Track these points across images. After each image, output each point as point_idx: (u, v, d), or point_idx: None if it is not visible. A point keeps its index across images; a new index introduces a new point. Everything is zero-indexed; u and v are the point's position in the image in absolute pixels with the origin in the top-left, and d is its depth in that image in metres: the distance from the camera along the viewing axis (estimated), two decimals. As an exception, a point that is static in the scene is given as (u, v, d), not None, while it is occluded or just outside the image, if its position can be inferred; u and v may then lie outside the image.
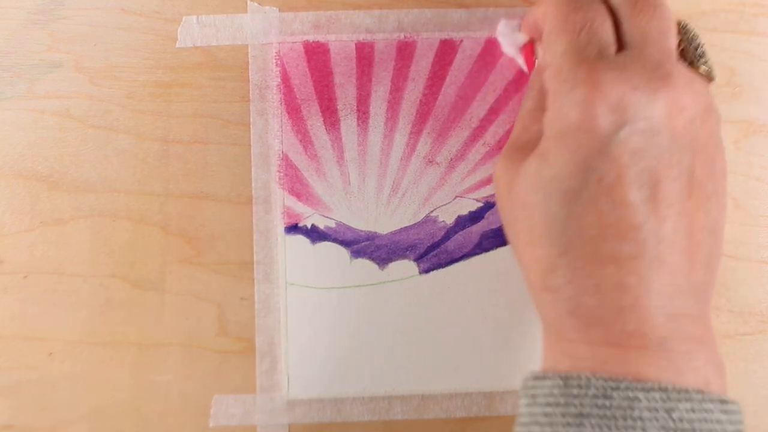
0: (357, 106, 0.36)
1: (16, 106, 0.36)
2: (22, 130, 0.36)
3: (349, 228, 0.35)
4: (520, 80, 0.36)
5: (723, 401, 0.25)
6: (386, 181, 0.36)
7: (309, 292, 0.35)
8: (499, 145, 0.36)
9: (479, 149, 0.36)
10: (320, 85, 0.36)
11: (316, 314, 0.35)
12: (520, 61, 0.35)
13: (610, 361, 0.26)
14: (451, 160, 0.36)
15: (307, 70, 0.36)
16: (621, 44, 0.28)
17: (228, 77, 0.36)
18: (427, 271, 0.35)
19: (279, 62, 0.36)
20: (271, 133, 0.36)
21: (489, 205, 0.36)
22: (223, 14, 0.36)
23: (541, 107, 0.30)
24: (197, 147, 0.36)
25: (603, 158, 0.25)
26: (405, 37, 0.36)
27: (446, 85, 0.36)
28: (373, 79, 0.36)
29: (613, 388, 0.25)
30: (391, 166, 0.36)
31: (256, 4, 0.36)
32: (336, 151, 0.36)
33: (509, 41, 0.35)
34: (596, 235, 0.26)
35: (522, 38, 0.34)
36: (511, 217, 0.29)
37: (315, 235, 0.35)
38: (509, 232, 0.30)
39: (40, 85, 0.36)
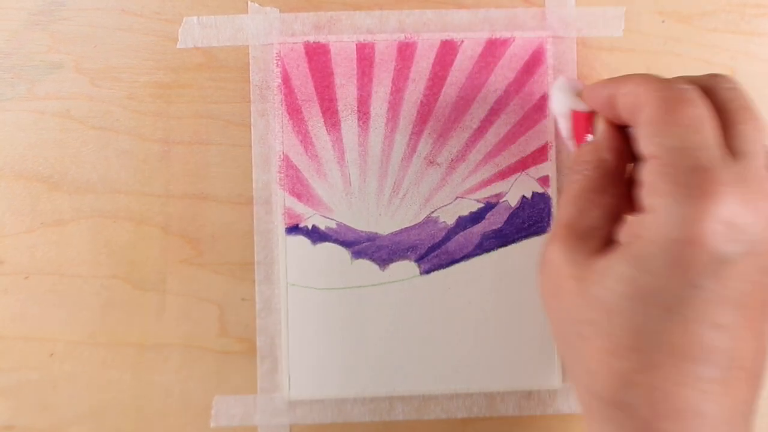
0: (358, 107, 0.36)
1: (17, 107, 0.36)
2: (22, 131, 0.36)
3: (350, 229, 0.35)
4: (521, 80, 0.36)
5: None
6: (387, 181, 0.36)
7: (310, 293, 0.35)
8: (498, 146, 0.36)
9: (480, 150, 0.36)
10: (321, 86, 0.36)
11: (316, 315, 0.35)
12: (564, 125, 0.33)
13: None
14: (452, 160, 0.36)
15: (307, 70, 0.36)
16: (727, 151, 0.25)
17: (229, 78, 0.36)
18: (427, 271, 0.35)
19: (280, 63, 0.36)
20: (271, 133, 0.36)
21: (489, 206, 0.36)
22: (224, 15, 0.36)
23: (601, 189, 0.28)
24: (198, 148, 0.36)
25: (709, 276, 0.24)
26: (406, 37, 0.36)
27: (447, 86, 0.36)
28: (373, 79, 0.36)
29: None
30: (391, 166, 0.36)
31: (256, 4, 0.36)
32: (337, 152, 0.36)
33: (563, 101, 0.32)
34: (683, 354, 0.24)
35: (581, 105, 0.32)
36: (577, 317, 0.26)
37: (316, 235, 0.35)
38: (567, 332, 0.28)
39: (41, 86, 0.36)
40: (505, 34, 0.36)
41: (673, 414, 0.24)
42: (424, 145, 0.36)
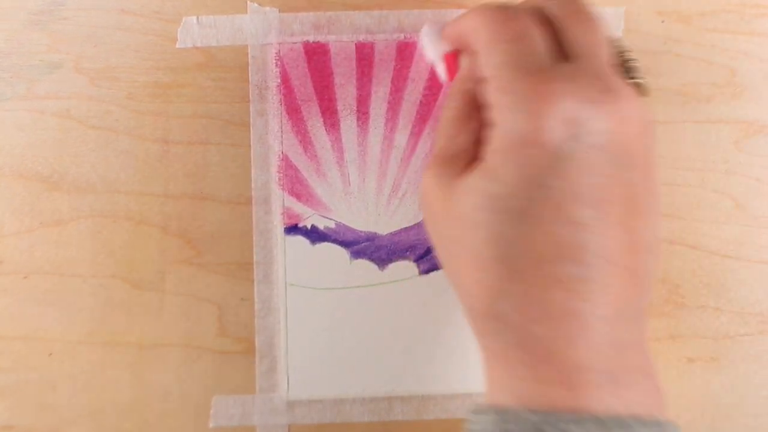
0: (357, 107, 0.36)
1: (16, 107, 0.36)
2: (22, 131, 0.36)
3: (349, 228, 0.35)
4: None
5: (659, 423, 0.25)
6: (386, 181, 0.36)
7: (309, 293, 0.35)
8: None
9: (479, 150, 0.36)
10: (320, 86, 0.36)
11: (315, 315, 0.35)
12: (440, 69, 0.34)
13: (554, 396, 0.25)
14: (451, 160, 0.36)
15: (307, 70, 0.36)
16: (560, 56, 0.26)
17: (228, 78, 0.36)
18: (426, 271, 0.35)
19: (279, 63, 0.36)
20: (270, 133, 0.36)
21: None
22: (223, 15, 0.36)
23: (466, 116, 0.28)
24: (197, 148, 0.36)
25: (553, 174, 0.24)
26: (405, 37, 0.36)
27: (446, 86, 0.36)
28: (373, 79, 0.36)
29: (546, 422, 0.24)
30: (391, 166, 0.36)
31: (256, 4, 0.36)
32: (336, 152, 0.36)
33: (432, 48, 0.34)
34: (545, 256, 0.24)
35: (445, 46, 0.33)
36: (448, 236, 0.27)
37: (315, 235, 0.35)
38: (444, 254, 0.28)
39: (40, 86, 0.36)
40: (505, 34, 0.36)
41: (545, 317, 0.25)
42: (424, 145, 0.36)
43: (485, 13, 0.27)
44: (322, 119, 0.36)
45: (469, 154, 0.27)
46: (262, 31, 0.36)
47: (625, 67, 0.29)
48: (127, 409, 0.35)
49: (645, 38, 0.36)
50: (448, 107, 0.29)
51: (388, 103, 0.36)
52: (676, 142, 0.36)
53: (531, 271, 0.25)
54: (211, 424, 0.35)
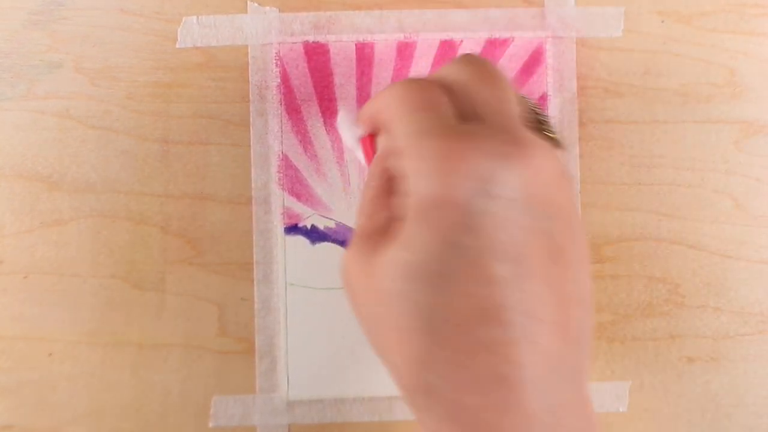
0: (357, 107, 0.36)
1: (16, 107, 0.36)
2: (22, 131, 0.36)
3: (349, 228, 0.35)
4: (520, 80, 0.36)
5: None
6: (386, 181, 0.36)
7: (309, 293, 0.35)
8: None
9: (479, 150, 0.36)
10: (320, 86, 0.36)
11: (316, 315, 0.35)
12: (359, 154, 0.33)
13: None
14: (451, 160, 0.36)
15: (307, 70, 0.36)
16: (471, 118, 0.26)
17: (228, 78, 0.36)
18: (427, 271, 0.35)
19: (279, 63, 0.36)
20: (270, 133, 0.36)
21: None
22: (223, 15, 0.36)
23: (385, 193, 0.28)
24: (197, 148, 0.36)
25: (467, 232, 0.23)
26: (405, 37, 0.36)
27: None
28: (373, 79, 0.36)
29: None
30: (391, 166, 0.36)
31: (256, 4, 0.36)
32: (336, 152, 0.36)
33: (349, 133, 0.33)
34: (468, 320, 0.23)
35: (361, 131, 0.32)
36: (371, 313, 0.26)
37: (315, 235, 0.35)
38: (369, 332, 0.27)
39: (40, 86, 0.36)
40: (505, 34, 0.36)
41: (474, 385, 0.23)
42: (424, 145, 0.36)
43: (395, 87, 0.27)
44: (322, 119, 0.36)
45: (388, 230, 0.27)
46: (262, 31, 0.36)
47: (538, 123, 0.29)
48: (127, 408, 0.35)
49: (645, 38, 0.36)
50: (368, 187, 0.29)
51: (388, 103, 0.36)
52: (676, 142, 0.36)
53: (455, 338, 0.24)
54: (211, 424, 0.35)
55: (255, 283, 0.35)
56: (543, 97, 0.36)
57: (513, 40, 0.36)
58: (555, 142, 0.28)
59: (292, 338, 0.35)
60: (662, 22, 0.36)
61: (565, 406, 0.24)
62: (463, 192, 0.24)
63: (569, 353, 0.24)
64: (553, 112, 0.36)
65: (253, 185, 0.36)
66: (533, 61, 0.36)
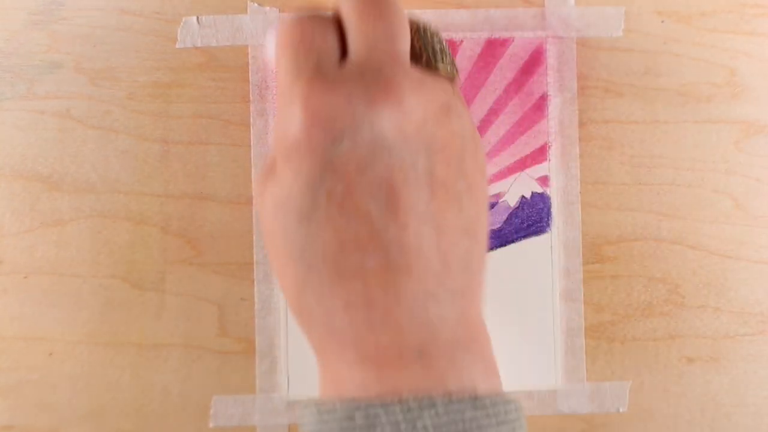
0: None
1: (16, 107, 0.36)
2: (22, 131, 0.36)
3: (349, 228, 0.35)
4: (520, 80, 0.36)
5: (474, 398, 0.25)
6: (386, 181, 0.36)
7: (309, 293, 0.35)
8: (498, 146, 0.36)
9: (479, 150, 0.36)
10: (320, 86, 0.36)
11: (316, 315, 0.35)
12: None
13: (368, 381, 0.25)
14: (451, 160, 0.36)
15: (307, 70, 0.36)
16: (348, 56, 0.27)
17: (228, 78, 0.36)
18: (427, 271, 0.35)
19: (279, 63, 0.36)
20: (271, 133, 0.36)
21: (488, 206, 0.36)
22: (223, 15, 0.36)
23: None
24: (197, 148, 0.36)
25: (327, 173, 0.25)
26: (405, 37, 0.36)
27: None
28: (373, 79, 0.36)
29: (355, 409, 0.24)
30: (391, 166, 0.36)
31: (256, 4, 0.36)
32: (336, 152, 0.36)
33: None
34: (337, 251, 0.25)
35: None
36: (266, 243, 0.28)
37: (315, 235, 0.35)
38: (268, 259, 0.29)
39: (40, 86, 0.36)
40: (505, 34, 0.36)
41: (342, 307, 0.25)
42: (424, 145, 0.36)
43: (284, 22, 0.27)
44: (322, 119, 0.36)
45: (274, 166, 0.28)
46: (262, 31, 0.36)
47: (432, 54, 0.28)
48: (127, 409, 0.35)
49: (645, 38, 0.36)
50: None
51: (388, 103, 0.36)
52: (676, 142, 0.36)
53: (328, 266, 0.25)
54: (211, 424, 0.35)
55: (255, 283, 0.35)
56: (543, 97, 0.36)
57: (513, 40, 0.36)
58: (448, 74, 0.28)
59: (292, 338, 0.35)
60: (662, 22, 0.36)
61: (442, 320, 0.26)
62: (320, 139, 0.25)
63: (450, 277, 0.26)
64: (553, 112, 0.36)
65: (253, 185, 0.36)
66: (533, 61, 0.36)
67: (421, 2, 0.36)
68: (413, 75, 0.26)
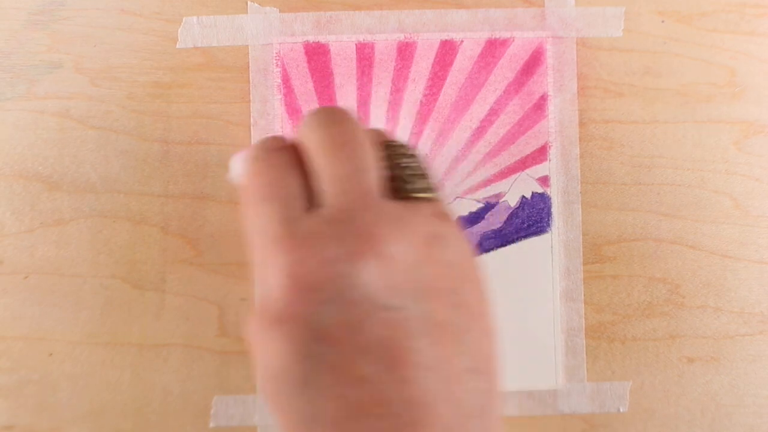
0: (357, 107, 0.36)
1: (17, 107, 0.36)
2: (22, 131, 0.36)
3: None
4: (520, 80, 0.36)
5: None
6: (386, 181, 0.36)
7: (309, 293, 0.35)
8: (498, 146, 0.36)
9: (480, 150, 0.36)
10: (320, 86, 0.36)
11: (316, 315, 0.35)
12: None
13: None
14: (452, 161, 0.36)
15: (307, 70, 0.36)
16: (316, 198, 0.24)
17: (228, 78, 0.36)
18: (427, 271, 0.35)
19: (279, 63, 0.36)
20: (271, 133, 0.36)
21: (489, 206, 0.36)
22: (224, 15, 0.36)
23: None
24: (197, 148, 0.36)
25: (320, 342, 0.22)
26: (405, 37, 0.36)
27: (446, 86, 0.36)
28: (373, 79, 0.36)
29: None
30: (391, 166, 0.36)
31: (256, 4, 0.36)
32: (336, 152, 0.36)
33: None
34: (343, 417, 0.23)
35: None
36: (269, 407, 0.25)
37: (315, 235, 0.35)
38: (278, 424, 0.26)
39: (40, 86, 0.36)
40: (505, 34, 0.36)
41: None
42: (424, 146, 0.36)
43: (251, 163, 0.25)
44: (322, 119, 0.36)
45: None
46: (263, 31, 0.36)
47: (407, 177, 0.25)
48: (127, 409, 0.35)
49: (645, 38, 0.36)
50: None
51: (389, 103, 0.36)
52: (676, 142, 0.36)
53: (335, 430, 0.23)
54: (211, 424, 0.35)
55: (255, 283, 0.35)
56: (543, 97, 0.36)
57: (513, 40, 0.36)
58: (427, 194, 0.25)
59: (292, 338, 0.35)
60: (662, 22, 0.36)
61: None
62: (305, 308, 0.22)
63: (466, 422, 0.24)
64: (553, 112, 0.36)
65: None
66: (533, 61, 0.36)
67: (421, 2, 0.36)
68: (389, 212, 0.24)
